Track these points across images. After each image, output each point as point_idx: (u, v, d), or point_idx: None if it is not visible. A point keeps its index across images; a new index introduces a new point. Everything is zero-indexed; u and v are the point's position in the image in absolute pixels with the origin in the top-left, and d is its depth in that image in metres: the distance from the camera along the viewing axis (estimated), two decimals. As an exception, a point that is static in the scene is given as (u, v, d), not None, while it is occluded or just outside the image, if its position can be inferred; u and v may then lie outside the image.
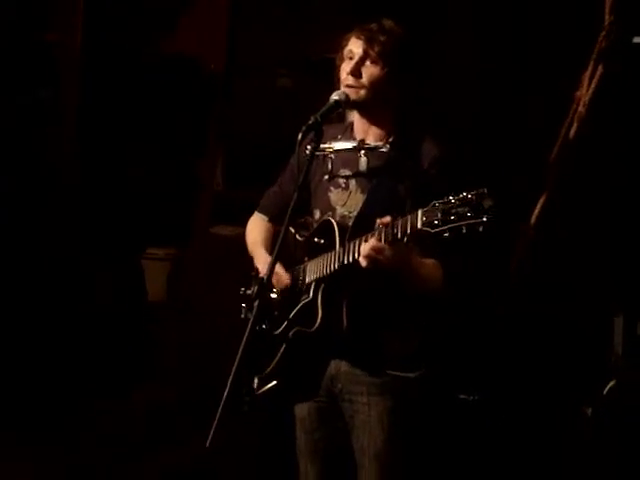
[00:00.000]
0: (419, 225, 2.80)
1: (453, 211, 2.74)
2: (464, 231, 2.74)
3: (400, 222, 2.88)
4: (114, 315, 5.18)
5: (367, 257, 2.95)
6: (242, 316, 3.38)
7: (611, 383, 4.04)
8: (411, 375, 3.18)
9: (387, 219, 2.93)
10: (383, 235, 2.93)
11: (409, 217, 2.85)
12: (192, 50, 5.34)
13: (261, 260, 3.38)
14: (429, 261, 3.11)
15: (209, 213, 5.49)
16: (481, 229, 2.72)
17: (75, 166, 5.11)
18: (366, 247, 2.95)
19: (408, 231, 2.85)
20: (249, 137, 5.54)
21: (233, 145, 5.54)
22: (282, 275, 3.26)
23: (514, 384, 4.29)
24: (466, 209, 2.73)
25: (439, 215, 2.76)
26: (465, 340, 4.30)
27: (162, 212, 5.35)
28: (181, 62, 5.33)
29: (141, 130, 5.30)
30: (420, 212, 2.81)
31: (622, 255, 4.29)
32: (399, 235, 2.89)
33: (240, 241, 4.82)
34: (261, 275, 3.28)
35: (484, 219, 2.71)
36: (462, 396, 4.30)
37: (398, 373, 3.16)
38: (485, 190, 2.73)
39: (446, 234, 2.76)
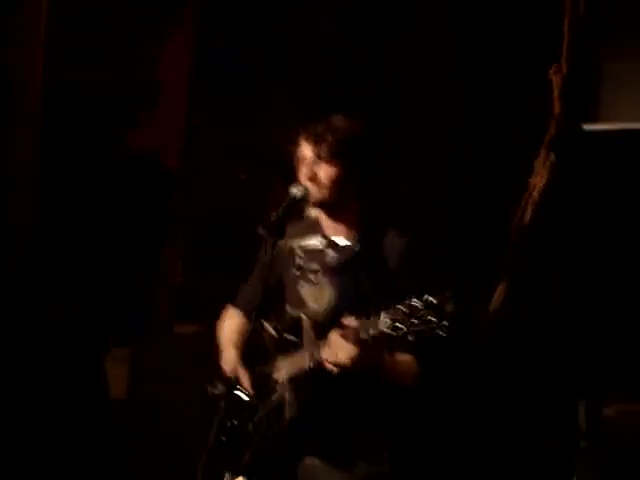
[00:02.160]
0: (383, 328, 2.83)
1: (417, 314, 2.78)
2: (427, 335, 2.78)
3: (364, 324, 2.91)
4: (74, 413, 5.10)
5: (329, 359, 2.99)
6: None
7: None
8: (384, 469, 3.16)
9: (352, 320, 2.96)
10: (350, 336, 2.95)
11: (372, 319, 2.88)
12: (149, 146, 5.35)
13: (228, 358, 3.36)
14: (403, 357, 3.12)
15: (169, 309, 5.45)
16: (443, 333, 2.76)
17: (30, 261, 5.06)
18: (329, 348, 2.99)
19: (372, 333, 2.88)
20: (208, 231, 5.54)
21: (192, 239, 5.54)
22: (246, 384, 3.25)
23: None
24: (429, 312, 2.77)
25: (403, 318, 2.79)
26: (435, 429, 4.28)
27: (122, 310, 5.31)
28: (139, 158, 5.35)
29: (99, 228, 5.28)
30: (383, 315, 2.84)
31: (582, 338, 4.31)
32: (364, 336, 2.92)
33: (201, 338, 4.81)
34: (228, 374, 3.26)
35: (446, 323, 2.75)
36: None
37: (371, 469, 3.15)
38: (447, 294, 2.78)
39: (410, 337, 2.80)
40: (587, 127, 4.35)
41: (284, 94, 5.33)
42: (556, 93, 4.16)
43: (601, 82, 4.64)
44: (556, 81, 4.14)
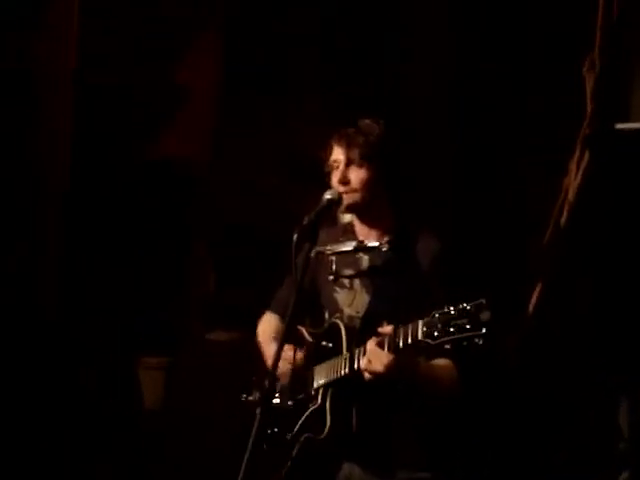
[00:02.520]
0: (420, 336, 2.83)
1: (452, 323, 2.76)
2: (464, 344, 2.76)
3: (401, 332, 2.91)
4: (109, 423, 5.09)
5: (367, 368, 2.97)
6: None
7: (624, 474, 3.98)
8: (425, 475, 3.13)
9: (388, 328, 2.96)
10: (385, 344, 2.95)
11: (410, 327, 2.88)
12: (178, 152, 5.34)
13: (271, 356, 3.32)
14: (442, 363, 3.10)
15: (201, 317, 5.44)
16: (480, 342, 2.74)
17: (61, 273, 5.06)
18: (366, 357, 2.98)
19: (409, 341, 2.88)
20: (237, 237, 5.53)
21: (222, 246, 5.53)
22: (285, 379, 3.24)
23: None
24: (465, 321, 2.76)
25: (439, 326, 2.79)
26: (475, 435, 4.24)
27: (154, 319, 5.30)
28: (166, 165, 5.34)
29: (130, 235, 5.27)
30: (420, 323, 2.84)
31: (622, 339, 4.26)
32: (400, 345, 2.91)
33: (235, 346, 4.79)
34: (270, 370, 3.23)
35: (482, 332, 2.73)
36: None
37: (411, 475, 3.12)
38: (483, 302, 2.76)
39: (447, 345, 2.79)
40: (620, 125, 4.30)
41: (314, 98, 5.33)
42: (589, 91, 4.11)
43: (632, 80, 4.59)
44: (589, 79, 4.09)
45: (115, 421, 5.11)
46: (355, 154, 3.20)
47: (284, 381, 3.29)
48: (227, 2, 5.34)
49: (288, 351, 3.21)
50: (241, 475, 2.82)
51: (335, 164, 3.25)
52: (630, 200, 4.30)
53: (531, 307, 4.12)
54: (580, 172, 4.14)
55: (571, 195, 4.14)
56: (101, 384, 5.19)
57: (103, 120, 5.22)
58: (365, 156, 3.19)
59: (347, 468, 3.19)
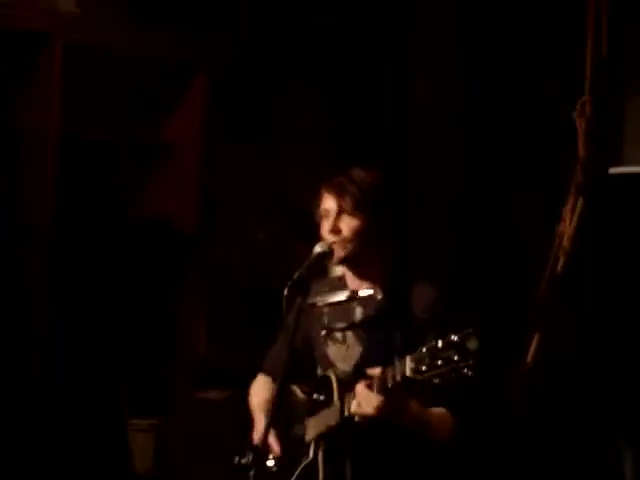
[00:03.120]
0: (408, 372, 2.76)
1: (440, 355, 2.69)
2: (453, 376, 2.68)
3: (389, 371, 2.83)
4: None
5: (356, 411, 2.90)
6: None
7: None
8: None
9: (377, 370, 2.88)
10: (375, 386, 2.87)
11: (397, 365, 2.81)
12: (165, 210, 5.28)
13: (258, 429, 3.28)
14: (437, 410, 3.02)
15: (191, 377, 5.34)
16: (469, 373, 2.66)
17: (49, 332, 4.96)
18: (355, 401, 2.90)
19: (397, 379, 2.80)
20: (229, 296, 5.47)
21: (212, 306, 5.45)
22: (274, 447, 3.16)
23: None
24: (452, 352, 2.68)
25: (426, 360, 2.71)
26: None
27: (143, 380, 5.21)
28: (154, 224, 5.28)
29: (114, 296, 5.19)
30: (408, 358, 2.76)
31: (622, 389, 4.18)
32: (389, 384, 2.84)
33: (227, 405, 4.70)
34: (257, 442, 3.17)
35: (470, 362, 2.65)
36: None
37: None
38: (470, 331, 2.68)
39: (435, 380, 2.70)
40: (613, 170, 4.25)
41: (307, 145, 5.31)
42: (581, 137, 4.05)
43: (623, 123, 4.55)
44: (580, 124, 4.03)
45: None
46: (347, 203, 3.13)
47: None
48: (212, 57, 5.29)
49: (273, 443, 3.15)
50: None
51: (325, 213, 3.18)
52: (627, 245, 4.24)
53: (530, 357, 4.03)
54: (575, 218, 4.08)
55: (566, 242, 4.07)
56: (93, 447, 5.09)
57: (88, 176, 5.17)
58: (357, 205, 3.13)
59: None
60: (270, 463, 3.16)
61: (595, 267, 4.22)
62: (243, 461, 3.27)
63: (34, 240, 4.82)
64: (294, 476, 3.08)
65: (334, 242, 3.13)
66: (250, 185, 5.43)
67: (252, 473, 2.89)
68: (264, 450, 3.04)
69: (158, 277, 5.29)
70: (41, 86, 4.78)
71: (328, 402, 3.07)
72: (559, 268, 4.08)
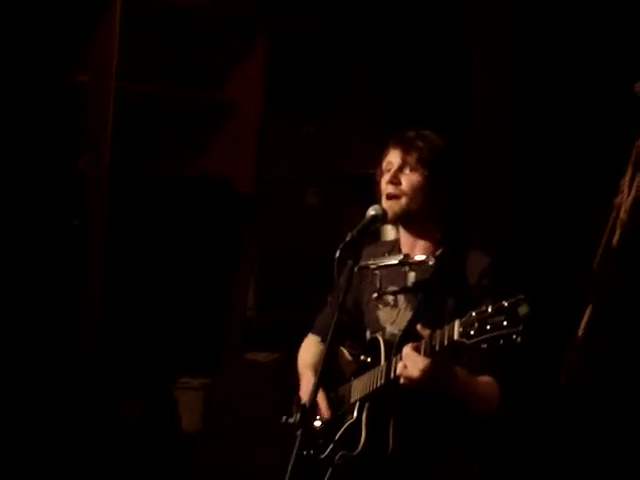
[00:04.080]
0: (456, 336, 2.70)
1: (489, 320, 2.63)
2: (501, 342, 2.61)
3: (438, 334, 2.79)
4: (146, 445, 5.02)
5: (402, 373, 2.85)
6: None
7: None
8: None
9: (426, 332, 2.84)
10: (422, 348, 2.83)
11: (446, 328, 2.76)
12: (221, 170, 5.28)
13: (306, 387, 3.27)
14: (483, 378, 2.98)
15: (241, 338, 5.37)
16: (518, 339, 2.60)
17: (102, 291, 5.00)
18: (402, 362, 2.86)
19: (445, 342, 2.75)
20: (280, 258, 5.47)
21: (264, 267, 5.46)
22: (322, 408, 3.15)
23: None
24: (502, 318, 2.61)
25: (475, 325, 2.65)
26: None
27: (193, 339, 5.24)
28: (210, 183, 5.28)
29: (171, 256, 5.22)
30: (457, 323, 2.71)
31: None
32: (437, 347, 2.79)
33: (275, 367, 4.71)
34: (303, 402, 3.16)
35: (520, 328, 2.59)
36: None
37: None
38: (522, 297, 2.61)
39: (483, 345, 2.65)
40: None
41: (360, 115, 5.27)
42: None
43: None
44: (643, 96, 3.97)
45: (156, 444, 5.05)
46: (412, 157, 3.08)
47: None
48: (273, 23, 5.27)
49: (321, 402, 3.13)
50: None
51: (389, 165, 3.13)
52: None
53: (581, 330, 4.00)
54: (633, 191, 4.02)
55: (623, 214, 4.01)
56: (144, 407, 5.13)
57: (145, 136, 5.18)
58: (421, 161, 3.08)
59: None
60: (317, 423, 3.15)
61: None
62: (290, 420, 3.28)
63: (90, 195, 4.85)
64: (338, 434, 3.05)
65: (390, 194, 3.08)
66: (304, 149, 5.42)
67: (299, 432, 2.86)
68: (311, 410, 3.02)
69: (213, 237, 5.31)
70: (101, 40, 4.79)
71: (375, 364, 3.05)
72: (615, 240, 4.03)
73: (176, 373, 5.20)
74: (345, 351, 3.27)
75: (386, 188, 3.11)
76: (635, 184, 4.03)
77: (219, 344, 5.33)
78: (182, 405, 5.14)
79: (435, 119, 4.83)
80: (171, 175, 5.25)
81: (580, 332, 4.00)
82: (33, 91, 4.78)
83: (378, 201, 3.15)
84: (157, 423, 5.12)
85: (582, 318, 4.00)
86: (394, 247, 3.26)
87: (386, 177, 3.13)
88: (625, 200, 4.05)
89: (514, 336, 2.60)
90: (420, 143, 3.11)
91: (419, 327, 2.85)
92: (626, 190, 4.05)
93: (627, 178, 4.06)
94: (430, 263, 3.12)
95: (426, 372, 2.81)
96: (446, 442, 3.04)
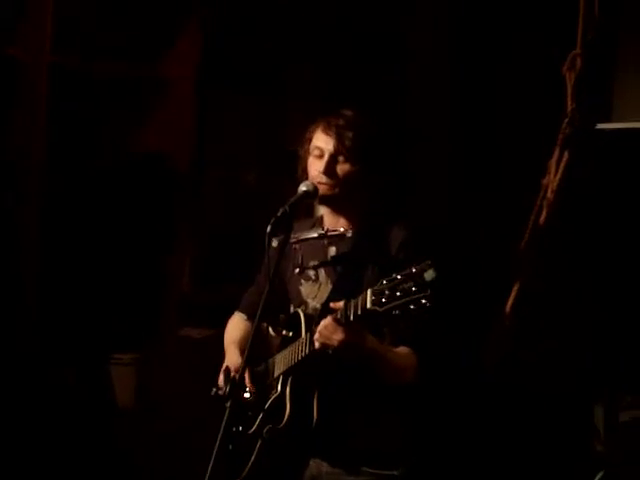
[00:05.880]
0: (368, 305, 2.76)
1: (399, 287, 2.70)
2: (412, 307, 2.69)
3: (352, 304, 2.85)
4: (81, 423, 5.03)
5: (319, 338, 2.91)
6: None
7: (600, 474, 3.95)
8: (394, 473, 3.07)
9: (340, 303, 2.90)
10: (338, 318, 2.88)
11: (359, 298, 2.82)
12: (158, 147, 5.28)
13: (232, 360, 3.30)
14: (401, 349, 3.04)
15: (176, 314, 5.38)
16: (427, 303, 2.67)
17: (37, 267, 4.99)
18: (318, 328, 2.92)
19: (359, 311, 2.81)
20: (217, 235, 5.48)
21: (201, 243, 5.47)
22: (247, 383, 3.19)
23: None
24: (411, 284, 2.69)
25: (386, 293, 2.72)
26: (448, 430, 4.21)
27: (130, 314, 5.25)
28: (147, 159, 5.28)
29: (108, 231, 5.21)
30: (369, 292, 2.77)
31: (600, 340, 4.23)
32: (351, 316, 2.84)
33: (209, 343, 4.74)
34: (232, 375, 3.20)
35: (428, 292, 2.67)
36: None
37: (379, 471, 3.05)
38: (428, 262, 2.69)
39: (395, 311, 2.71)
40: (600, 126, 4.27)
41: (298, 92, 5.28)
42: (569, 90, 4.06)
43: (613, 80, 4.56)
44: (569, 77, 4.04)
45: (91, 420, 5.05)
46: (345, 147, 3.08)
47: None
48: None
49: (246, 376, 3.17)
50: (207, 476, 2.77)
51: (319, 152, 3.13)
52: (611, 201, 4.27)
53: (508, 308, 4.07)
54: (559, 171, 4.10)
55: (550, 194, 4.09)
56: (79, 381, 5.13)
57: (80, 110, 5.16)
58: (355, 151, 3.08)
59: (314, 465, 3.11)
60: (247, 395, 3.19)
61: (579, 221, 4.26)
62: (220, 392, 3.31)
63: (25, 176, 4.83)
64: (264, 408, 3.09)
65: (323, 184, 3.09)
66: (241, 126, 5.43)
67: (228, 404, 2.90)
68: (240, 382, 3.06)
69: (149, 213, 5.31)
70: (34, 15, 4.76)
71: (296, 338, 3.09)
72: (542, 220, 4.11)
73: (110, 348, 5.19)
74: (269, 326, 3.31)
75: (318, 176, 3.11)
76: (562, 165, 4.11)
77: (155, 320, 5.34)
78: (115, 380, 5.15)
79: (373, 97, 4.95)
80: (108, 152, 5.24)
81: (507, 309, 4.09)
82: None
83: (302, 174, 3.18)
84: (88, 393, 5.12)
85: (509, 296, 4.09)
86: (317, 221, 3.29)
87: (317, 163, 3.13)
88: (552, 180, 4.13)
89: (423, 301, 2.67)
90: (351, 132, 3.09)
91: (331, 304, 2.91)
92: (553, 170, 4.12)
93: (554, 159, 4.13)
94: (348, 235, 3.16)
95: (341, 341, 2.88)
96: (374, 410, 3.09)
